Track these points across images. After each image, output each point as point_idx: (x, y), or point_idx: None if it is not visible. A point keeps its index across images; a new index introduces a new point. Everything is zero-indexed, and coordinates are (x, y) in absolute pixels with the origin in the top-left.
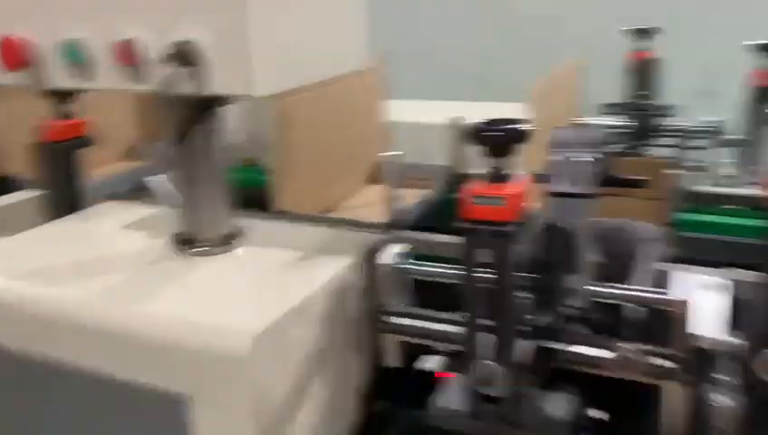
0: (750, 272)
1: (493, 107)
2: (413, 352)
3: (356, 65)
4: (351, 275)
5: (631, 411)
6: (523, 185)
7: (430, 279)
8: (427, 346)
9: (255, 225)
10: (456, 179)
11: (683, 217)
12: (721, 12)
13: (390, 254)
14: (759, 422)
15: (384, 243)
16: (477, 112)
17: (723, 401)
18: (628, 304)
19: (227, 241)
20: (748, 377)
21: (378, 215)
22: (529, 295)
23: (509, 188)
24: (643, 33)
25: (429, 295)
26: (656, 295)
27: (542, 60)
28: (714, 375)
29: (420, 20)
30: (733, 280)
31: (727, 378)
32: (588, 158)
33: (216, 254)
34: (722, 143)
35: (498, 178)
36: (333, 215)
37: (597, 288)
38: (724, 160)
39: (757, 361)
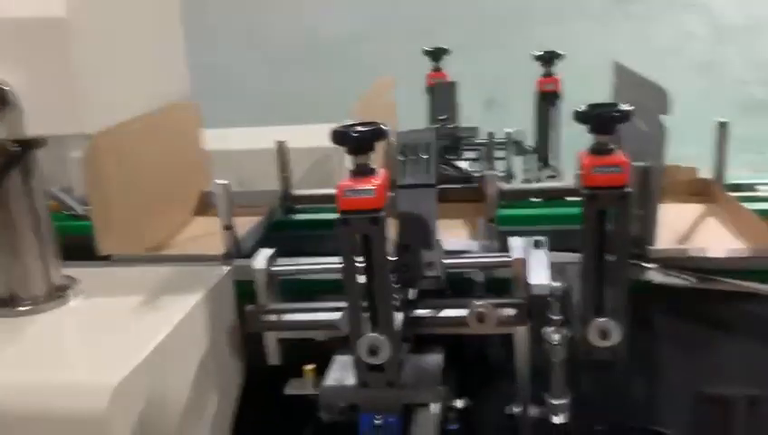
0: (570, 254)
1: (310, 129)
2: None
3: (182, 95)
4: (203, 310)
5: (489, 360)
6: (385, 177)
7: (304, 277)
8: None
9: (86, 273)
10: (288, 201)
11: (501, 213)
12: (505, 28)
13: (263, 258)
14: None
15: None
16: (299, 135)
17: (557, 338)
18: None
19: (59, 294)
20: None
21: (213, 246)
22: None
23: (375, 180)
24: (436, 54)
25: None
26: (499, 259)
27: (351, 80)
28: (549, 316)
29: (224, 49)
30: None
31: (558, 317)
32: (427, 154)
33: (48, 310)
34: (519, 151)
35: (365, 172)
36: (165, 252)
37: (451, 260)
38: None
39: (588, 329)
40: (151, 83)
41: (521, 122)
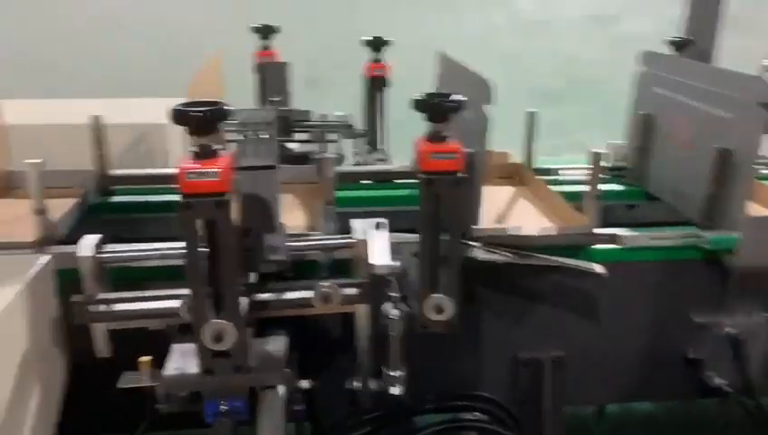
0: (407, 235)
1: (125, 103)
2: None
3: None
4: (22, 304)
5: (330, 339)
6: (230, 159)
7: (135, 264)
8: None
9: None
10: (105, 181)
11: (339, 194)
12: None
13: (88, 245)
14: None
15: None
16: (114, 109)
17: (396, 313)
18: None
19: None
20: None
21: (21, 232)
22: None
23: (220, 162)
24: (264, 31)
25: None
26: (342, 240)
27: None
28: (389, 293)
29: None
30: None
31: (397, 293)
32: (267, 134)
33: None
34: (350, 134)
35: (208, 154)
36: None
37: (294, 242)
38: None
39: (425, 305)
40: None
41: (343, 104)
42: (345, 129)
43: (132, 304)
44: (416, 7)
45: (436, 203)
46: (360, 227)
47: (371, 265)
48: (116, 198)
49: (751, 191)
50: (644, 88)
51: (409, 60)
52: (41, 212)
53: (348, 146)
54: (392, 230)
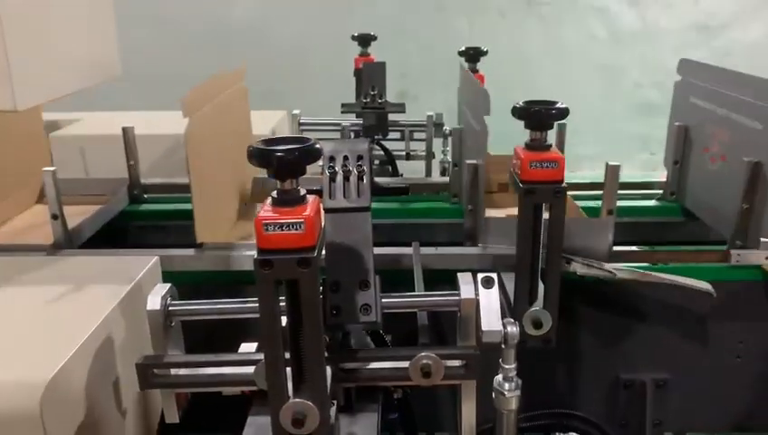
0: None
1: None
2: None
3: (112, 73)
4: (131, 300)
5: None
6: (317, 204)
7: (207, 317)
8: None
9: None
10: (136, 189)
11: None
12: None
13: (157, 295)
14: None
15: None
16: (150, 121)
17: (508, 387)
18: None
19: None
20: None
21: (47, 236)
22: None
23: (305, 210)
24: (363, 39)
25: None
26: (448, 298)
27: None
28: (501, 364)
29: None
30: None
31: (511, 365)
32: (359, 169)
33: None
34: (441, 133)
35: (291, 200)
36: None
37: (391, 299)
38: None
39: (523, 319)
40: (83, 62)
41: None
42: (436, 127)
43: (203, 368)
44: (511, 19)
45: (537, 214)
46: (468, 281)
47: (482, 332)
48: (145, 206)
49: None
50: (681, 98)
51: (505, 71)
52: (56, 217)
53: (438, 145)
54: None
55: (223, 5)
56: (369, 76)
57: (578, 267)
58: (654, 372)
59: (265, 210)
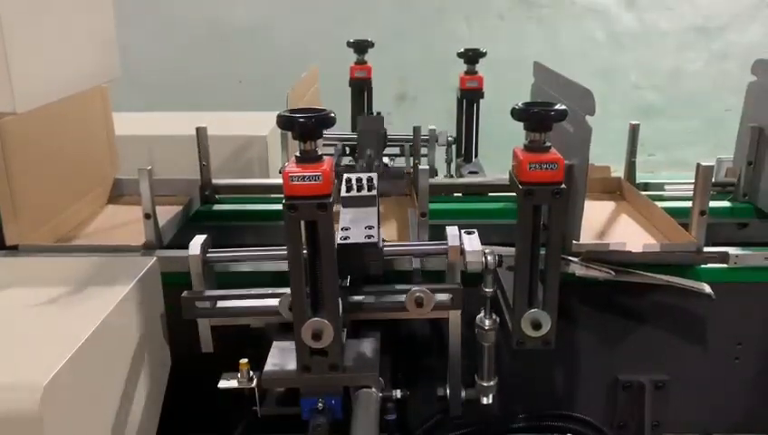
0: (502, 248)
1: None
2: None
3: (112, 75)
4: (132, 301)
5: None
6: (331, 162)
7: (237, 262)
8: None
9: None
10: (208, 190)
11: (432, 206)
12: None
13: (197, 244)
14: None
15: (159, 265)
16: (216, 122)
17: (488, 323)
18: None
19: None
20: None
21: (129, 236)
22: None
23: (322, 166)
24: (360, 46)
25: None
26: (438, 246)
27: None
28: (482, 287)
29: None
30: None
31: (490, 289)
32: (370, 184)
33: None
34: (443, 144)
35: (311, 158)
36: (78, 242)
37: (390, 248)
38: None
39: (522, 320)
40: (83, 63)
41: (434, 118)
42: (436, 141)
43: (236, 301)
44: (510, 21)
45: (535, 215)
46: (454, 232)
47: (465, 253)
48: (217, 207)
49: None
50: (755, 99)
51: (504, 74)
52: (149, 217)
53: (440, 158)
54: (484, 244)
55: (223, 6)
56: (365, 135)
57: (577, 268)
58: (653, 374)
59: (291, 166)
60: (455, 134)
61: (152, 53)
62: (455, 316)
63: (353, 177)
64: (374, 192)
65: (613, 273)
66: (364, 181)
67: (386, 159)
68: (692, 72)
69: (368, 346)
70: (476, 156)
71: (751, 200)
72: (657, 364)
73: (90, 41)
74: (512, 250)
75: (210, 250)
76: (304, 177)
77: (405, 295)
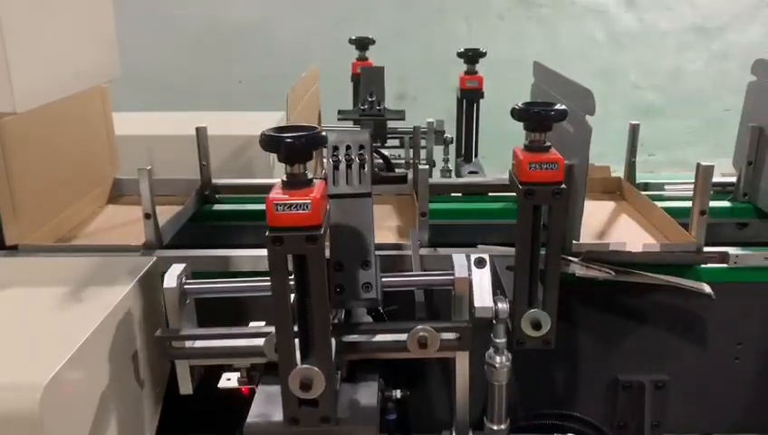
0: (501, 247)
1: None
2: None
3: (111, 75)
4: (132, 301)
5: (428, 383)
6: (323, 187)
7: (219, 295)
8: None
9: None
10: (208, 190)
11: (432, 206)
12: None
13: (173, 275)
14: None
15: (159, 265)
16: (215, 122)
17: (499, 361)
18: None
19: None
20: (515, 332)
21: (130, 236)
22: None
23: (311, 192)
24: (361, 43)
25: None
26: (443, 277)
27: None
28: (492, 338)
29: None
30: (491, 256)
31: (501, 339)
32: (361, 158)
33: None
34: (441, 141)
35: (299, 183)
36: (78, 242)
37: (390, 278)
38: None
39: (522, 320)
40: (83, 63)
41: (432, 117)
42: (436, 135)
43: (216, 341)
44: (510, 21)
45: (536, 215)
46: (461, 263)
47: (474, 308)
48: (217, 207)
49: None
50: (754, 99)
51: (504, 74)
52: (149, 216)
53: (438, 157)
54: (484, 244)
55: (223, 6)
56: (368, 82)
57: (577, 268)
58: (653, 374)
59: (276, 192)
60: (455, 134)
61: (152, 52)
62: (462, 356)
63: (341, 145)
64: (368, 188)
65: (613, 273)
66: (354, 155)
67: (386, 151)
68: (692, 72)
69: (365, 392)
70: (476, 156)
71: (751, 200)
72: (657, 364)
73: (90, 41)
74: (512, 250)
75: (187, 281)
76: (291, 205)
77: (407, 335)
